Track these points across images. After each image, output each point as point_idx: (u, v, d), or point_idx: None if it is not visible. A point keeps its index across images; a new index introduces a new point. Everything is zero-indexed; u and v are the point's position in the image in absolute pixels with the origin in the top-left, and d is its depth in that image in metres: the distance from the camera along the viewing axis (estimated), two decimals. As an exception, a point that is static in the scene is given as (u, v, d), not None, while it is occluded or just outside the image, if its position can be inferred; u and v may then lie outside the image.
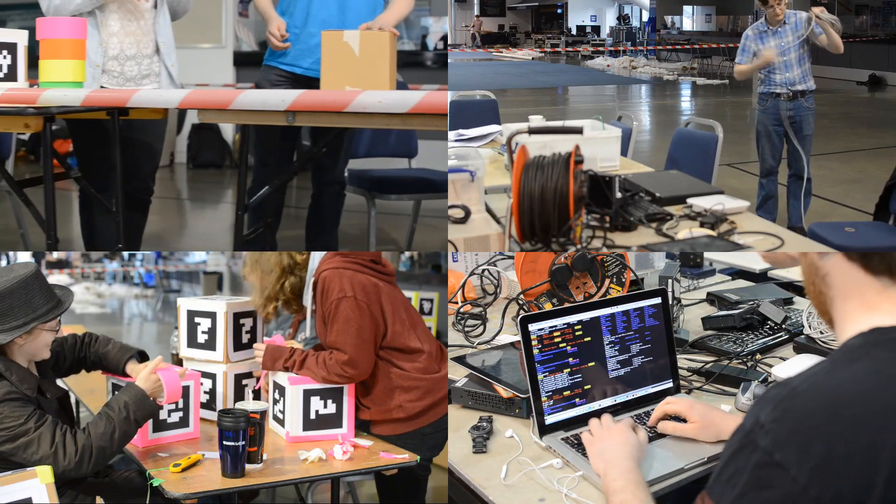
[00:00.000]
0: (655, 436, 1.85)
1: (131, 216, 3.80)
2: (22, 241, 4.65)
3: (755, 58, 4.97)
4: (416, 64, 8.57)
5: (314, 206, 4.09)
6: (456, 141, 4.01)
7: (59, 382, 2.43)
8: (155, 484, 2.04)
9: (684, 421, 1.83)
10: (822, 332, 2.41)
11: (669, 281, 2.59)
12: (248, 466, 2.14)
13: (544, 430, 1.86)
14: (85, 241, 3.88)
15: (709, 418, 1.80)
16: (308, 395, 2.43)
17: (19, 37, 3.19)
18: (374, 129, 4.35)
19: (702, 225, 2.47)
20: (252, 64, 3.97)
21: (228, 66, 8.89)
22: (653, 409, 1.93)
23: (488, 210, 2.43)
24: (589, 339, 1.94)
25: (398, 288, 2.62)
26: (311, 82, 3.39)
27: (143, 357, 2.41)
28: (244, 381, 2.66)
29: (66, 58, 3.13)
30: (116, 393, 2.17)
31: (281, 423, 2.48)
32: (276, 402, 2.53)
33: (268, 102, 2.86)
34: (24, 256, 10.81)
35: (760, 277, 3.36)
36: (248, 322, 2.68)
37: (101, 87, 3.44)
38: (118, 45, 3.48)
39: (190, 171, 8.92)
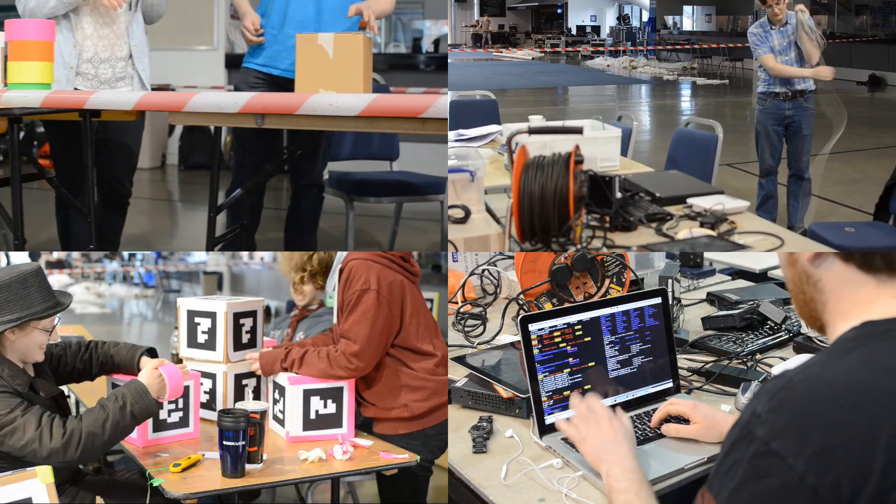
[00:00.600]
0: (656, 435, 1.85)
1: (108, 217, 3.87)
2: (3, 242, 4.68)
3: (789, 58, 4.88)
4: (410, 67, 8.57)
5: (293, 209, 4.11)
6: (456, 141, 4.01)
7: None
8: (155, 484, 2.04)
9: (687, 421, 1.83)
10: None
11: (669, 281, 2.59)
12: (248, 466, 2.14)
13: (544, 430, 1.86)
14: (61, 240, 3.90)
15: (712, 419, 1.80)
16: (308, 394, 2.43)
17: None
18: (355, 132, 4.37)
19: (702, 225, 2.47)
20: (244, 66, 4.00)
21: (220, 68, 8.90)
22: (653, 409, 1.93)
23: (488, 210, 2.43)
24: (589, 339, 1.94)
25: (420, 290, 2.63)
26: (289, 84, 3.39)
27: (152, 354, 2.41)
28: (244, 381, 2.66)
29: (34, 59, 3.16)
30: (123, 386, 2.16)
31: (281, 423, 2.48)
32: (276, 402, 2.53)
33: (220, 105, 2.89)
34: (23, 256, 10.79)
35: (760, 277, 3.36)
36: (248, 322, 2.68)
37: (75, 88, 3.45)
38: (92, 48, 3.50)
39: (181, 173, 8.94)
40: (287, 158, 3.83)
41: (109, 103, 3.07)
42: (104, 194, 3.84)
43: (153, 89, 3.80)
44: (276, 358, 2.50)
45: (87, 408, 2.05)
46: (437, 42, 8.94)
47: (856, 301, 1.14)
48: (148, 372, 2.16)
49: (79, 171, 3.43)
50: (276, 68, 3.77)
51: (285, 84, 3.66)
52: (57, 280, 12.48)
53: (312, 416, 2.44)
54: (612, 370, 1.97)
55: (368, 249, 2.53)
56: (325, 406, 2.45)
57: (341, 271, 2.49)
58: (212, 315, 2.61)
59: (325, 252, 2.63)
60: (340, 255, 2.54)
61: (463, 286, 2.86)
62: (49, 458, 1.93)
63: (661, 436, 1.84)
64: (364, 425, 2.55)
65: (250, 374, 2.66)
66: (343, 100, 2.74)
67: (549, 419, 1.87)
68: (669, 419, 1.87)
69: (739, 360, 2.33)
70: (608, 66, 20.30)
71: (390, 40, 9.26)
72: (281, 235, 4.34)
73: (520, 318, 1.86)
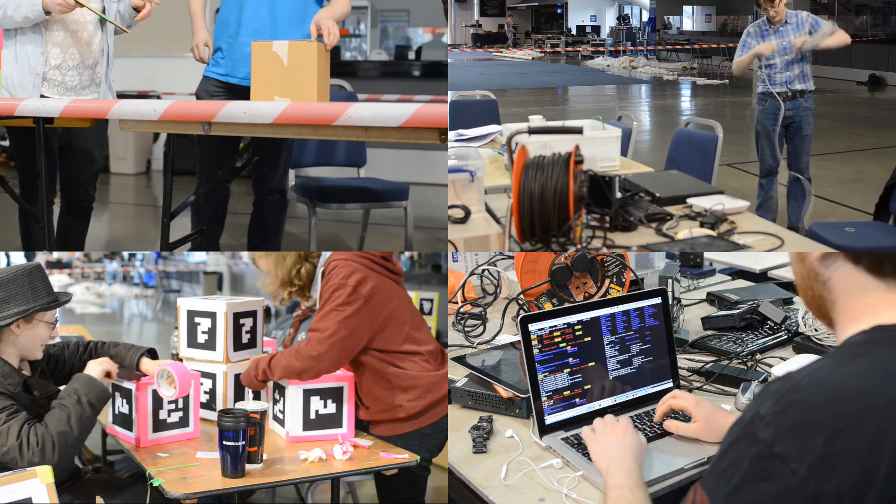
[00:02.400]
0: (656, 435, 1.85)
1: (72, 221, 3.93)
2: None
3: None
4: (401, 75, 8.58)
5: (255, 214, 4.14)
6: (456, 141, 4.01)
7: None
8: (155, 484, 2.04)
9: (689, 418, 1.83)
10: (816, 330, 2.42)
11: (669, 281, 2.59)
12: (248, 466, 2.14)
13: (544, 430, 1.86)
14: (22, 241, 3.94)
15: (713, 418, 1.79)
16: (308, 395, 2.43)
17: None
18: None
19: (702, 225, 2.47)
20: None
21: None
22: (653, 410, 1.93)
23: (488, 210, 2.43)
24: (589, 339, 1.94)
25: (405, 289, 2.63)
26: (248, 92, 3.38)
27: (153, 354, 2.41)
28: (244, 381, 2.66)
29: None
30: (69, 384, 2.19)
31: (281, 423, 2.48)
32: (276, 402, 2.53)
33: (141, 112, 2.98)
34: (21, 256, 10.80)
35: (760, 277, 3.36)
36: (248, 322, 2.68)
37: (42, 95, 3.49)
38: (60, 56, 3.52)
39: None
40: (243, 165, 3.86)
41: (37, 110, 3.17)
42: (67, 199, 3.90)
43: (135, 96, 3.83)
44: (250, 376, 2.50)
45: (51, 412, 2.07)
46: (419, 50, 8.93)
47: (866, 305, 1.13)
48: (93, 364, 2.20)
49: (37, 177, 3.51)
50: (235, 77, 3.76)
51: (244, 92, 3.60)
52: (57, 280, 12.49)
53: (312, 416, 2.44)
54: (612, 370, 1.97)
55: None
56: (325, 406, 2.45)
57: (324, 273, 2.49)
58: (212, 315, 2.61)
59: (311, 262, 2.62)
60: (324, 258, 2.54)
61: (463, 286, 2.86)
62: (30, 466, 1.95)
63: (661, 436, 1.84)
64: (361, 427, 2.55)
65: (250, 374, 2.66)
66: (257, 108, 2.79)
67: (549, 419, 1.87)
68: (673, 415, 1.87)
69: (739, 360, 2.32)
70: (608, 66, 20.31)
71: (374, 48, 9.24)
72: (243, 241, 4.40)
73: (520, 318, 1.86)
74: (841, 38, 4.78)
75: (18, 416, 2.01)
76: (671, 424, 1.83)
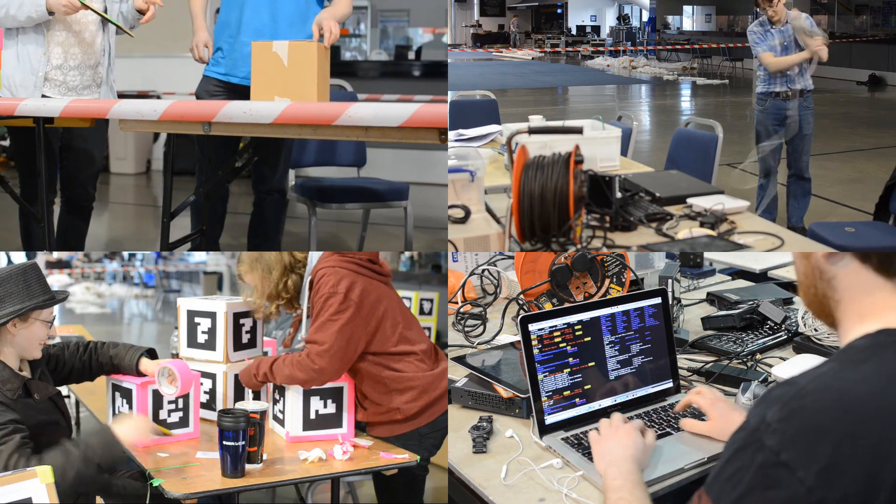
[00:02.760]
0: (657, 436, 1.85)
1: (72, 221, 3.94)
2: None
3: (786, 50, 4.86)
4: (401, 75, 8.58)
5: (255, 214, 4.15)
6: (456, 141, 4.01)
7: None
8: (155, 484, 2.04)
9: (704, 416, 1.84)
10: (816, 330, 2.41)
11: (669, 281, 2.59)
12: (248, 466, 2.14)
13: (544, 430, 1.86)
14: (23, 241, 3.94)
15: (727, 417, 1.79)
16: (308, 395, 2.43)
17: None
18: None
19: (702, 225, 2.47)
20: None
21: None
22: (654, 409, 1.94)
23: (488, 210, 2.43)
24: (589, 339, 1.94)
25: (393, 288, 2.62)
26: (248, 92, 3.37)
27: (152, 354, 2.41)
28: (244, 381, 2.66)
29: None
30: (90, 432, 2.11)
31: (281, 423, 2.48)
32: (276, 402, 2.53)
33: (141, 112, 2.99)
34: (21, 256, 10.81)
35: (760, 277, 3.36)
36: (248, 322, 2.68)
37: (43, 95, 3.49)
38: (62, 56, 3.52)
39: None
40: (243, 165, 3.86)
41: (37, 110, 3.17)
42: (68, 199, 3.91)
43: (135, 96, 3.82)
44: (249, 375, 2.50)
45: (89, 409, 2.03)
46: (419, 50, 8.93)
47: (872, 304, 1.12)
48: (129, 427, 2.12)
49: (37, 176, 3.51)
50: (235, 76, 3.75)
51: (244, 92, 3.59)
52: (57, 280, 12.49)
53: (312, 416, 2.44)
54: (612, 370, 1.97)
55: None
56: (325, 406, 2.45)
57: (311, 283, 2.48)
58: (212, 315, 2.61)
59: (297, 274, 2.62)
60: (309, 269, 2.53)
61: (463, 286, 2.86)
62: None
63: (664, 435, 1.85)
64: (358, 428, 2.55)
65: (250, 374, 2.66)
66: (257, 108, 2.80)
67: (549, 419, 1.87)
68: (684, 413, 1.89)
69: (739, 360, 2.32)
70: (608, 66, 20.30)
71: (374, 48, 9.24)
72: (243, 241, 4.41)
73: (520, 318, 1.86)
74: (824, 53, 4.76)
75: (10, 442, 1.95)
76: (686, 423, 1.85)
